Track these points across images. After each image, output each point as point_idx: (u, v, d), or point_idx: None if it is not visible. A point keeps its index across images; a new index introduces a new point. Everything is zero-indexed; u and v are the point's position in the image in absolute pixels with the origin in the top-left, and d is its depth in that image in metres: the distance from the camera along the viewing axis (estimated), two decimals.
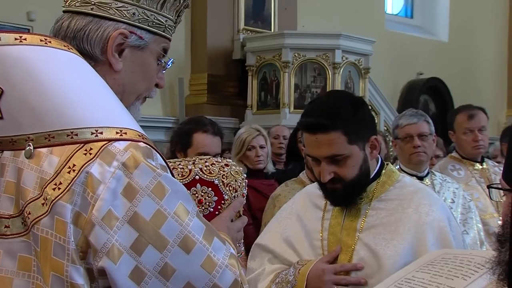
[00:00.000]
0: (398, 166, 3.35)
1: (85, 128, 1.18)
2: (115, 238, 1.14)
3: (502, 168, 3.81)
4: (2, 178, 1.23)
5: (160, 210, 1.17)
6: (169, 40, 1.40)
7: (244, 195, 1.55)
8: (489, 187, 1.26)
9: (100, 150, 1.17)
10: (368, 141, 2.03)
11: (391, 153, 7.21)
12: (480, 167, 3.80)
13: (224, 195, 1.49)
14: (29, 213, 1.18)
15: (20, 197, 1.20)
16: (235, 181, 1.52)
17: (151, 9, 1.34)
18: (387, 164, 2.15)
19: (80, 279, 1.15)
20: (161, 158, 1.22)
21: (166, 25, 1.37)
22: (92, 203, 1.14)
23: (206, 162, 1.51)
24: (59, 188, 1.16)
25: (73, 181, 1.15)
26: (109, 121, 1.20)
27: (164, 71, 1.44)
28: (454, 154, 3.90)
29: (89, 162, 1.16)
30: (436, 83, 10.51)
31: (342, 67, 7.41)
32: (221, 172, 1.50)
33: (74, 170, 1.16)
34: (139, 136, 1.21)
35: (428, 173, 3.30)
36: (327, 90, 7.32)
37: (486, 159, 3.91)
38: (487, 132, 3.79)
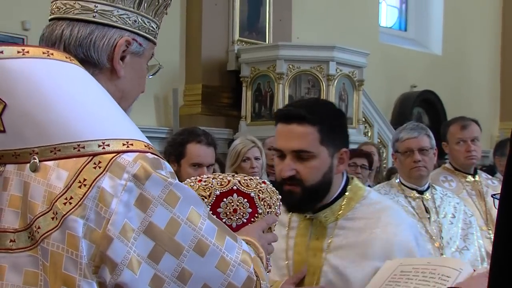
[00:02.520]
0: (398, 180, 3.30)
1: (91, 140, 1.18)
2: (133, 249, 1.15)
3: (495, 181, 3.78)
4: (6, 192, 1.22)
5: (173, 218, 1.18)
6: (156, 45, 1.42)
7: (278, 214, 1.60)
8: (493, 196, 1.25)
9: (110, 163, 1.16)
10: (338, 151, 1.96)
11: (384, 165, 7.19)
12: (472, 179, 3.78)
13: (258, 209, 1.55)
14: (39, 227, 1.16)
15: (27, 211, 1.18)
16: (270, 198, 1.58)
17: (148, 16, 1.36)
18: (352, 179, 2.08)
19: None
20: (169, 166, 1.23)
21: (157, 31, 1.40)
22: (106, 218, 1.14)
23: (245, 176, 1.59)
24: (70, 203, 1.15)
25: (85, 196, 1.15)
26: (115, 132, 1.20)
27: (150, 76, 1.46)
28: (447, 165, 3.89)
29: (99, 177, 1.15)
30: (430, 96, 10.55)
31: (336, 79, 7.40)
32: (258, 187, 1.57)
33: (85, 185, 1.15)
34: (145, 146, 1.21)
35: (428, 187, 3.26)
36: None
37: (479, 171, 3.90)
38: (480, 143, 3.78)
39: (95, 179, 1.15)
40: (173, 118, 7.53)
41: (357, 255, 1.93)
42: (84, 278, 1.14)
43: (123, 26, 1.31)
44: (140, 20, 1.33)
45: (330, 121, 1.94)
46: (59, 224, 1.15)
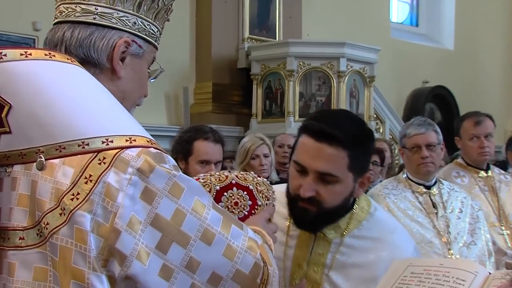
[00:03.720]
0: (405, 175, 3.30)
1: (95, 137, 1.21)
2: (141, 241, 1.18)
3: (507, 176, 3.75)
4: (14, 191, 1.25)
5: (179, 209, 1.21)
6: (157, 49, 1.45)
7: (274, 206, 1.64)
8: None
9: (114, 159, 1.19)
10: (363, 176, 1.87)
11: (396, 161, 7.18)
12: (485, 175, 3.74)
13: (257, 201, 1.59)
14: (47, 224, 1.20)
15: (36, 209, 1.21)
16: (267, 190, 1.63)
17: (147, 19, 1.39)
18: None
19: (101, 286, 1.17)
20: (172, 159, 1.26)
21: (157, 35, 1.43)
22: (113, 211, 1.17)
23: (240, 172, 1.64)
24: (77, 198, 1.18)
25: (91, 192, 1.18)
26: (118, 129, 1.23)
27: (152, 80, 1.49)
28: (459, 160, 3.85)
29: (105, 172, 1.19)
30: (442, 91, 10.49)
31: (347, 76, 7.39)
32: (255, 180, 1.62)
33: (91, 181, 1.18)
34: (147, 142, 1.24)
35: (435, 182, 3.25)
36: (332, 98, 7.32)
37: (492, 166, 3.86)
38: (493, 139, 3.74)
39: (100, 175, 1.18)
40: (184, 116, 7.57)
41: (362, 278, 1.86)
42: (93, 271, 1.17)
43: (122, 28, 1.35)
44: (139, 22, 1.37)
45: (362, 145, 1.83)
46: (67, 219, 1.18)
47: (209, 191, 1.56)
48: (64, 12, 1.36)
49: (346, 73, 7.37)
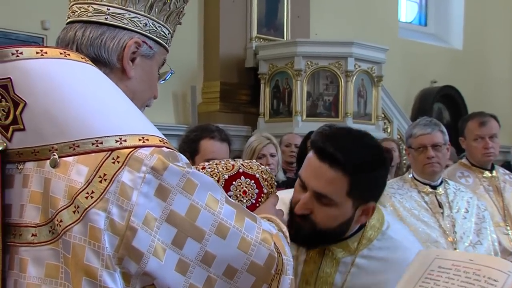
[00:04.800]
0: (411, 175, 3.31)
1: (109, 136, 1.22)
2: (157, 237, 1.20)
3: None
4: (26, 188, 1.26)
5: (193, 204, 1.23)
6: (168, 52, 1.46)
7: (277, 195, 1.68)
8: None
9: (128, 158, 1.21)
10: (366, 205, 1.79)
11: (404, 161, 7.18)
12: (490, 175, 3.74)
13: (263, 189, 1.62)
14: (61, 221, 1.21)
15: (49, 206, 1.23)
16: (271, 178, 1.66)
17: (158, 21, 1.40)
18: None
19: (113, 284, 1.19)
20: (184, 157, 1.27)
21: (168, 38, 1.44)
22: (129, 210, 1.19)
23: (245, 161, 1.66)
24: (92, 197, 1.19)
25: (106, 190, 1.19)
26: (132, 128, 1.25)
27: (162, 82, 1.50)
28: (464, 160, 3.85)
29: (119, 171, 1.20)
30: (450, 91, 10.45)
31: (354, 75, 7.39)
32: (260, 168, 1.64)
33: (105, 180, 1.20)
34: (160, 141, 1.26)
35: (441, 182, 3.26)
36: (340, 98, 7.32)
37: (496, 166, 3.85)
38: (498, 140, 3.73)
39: (114, 174, 1.20)
40: (191, 115, 7.59)
41: None
42: (106, 268, 1.18)
43: (133, 29, 1.36)
44: (151, 23, 1.38)
45: (367, 173, 1.73)
46: (81, 217, 1.19)
47: (218, 181, 1.57)
48: (77, 11, 1.38)
49: (354, 72, 7.37)
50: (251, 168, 1.62)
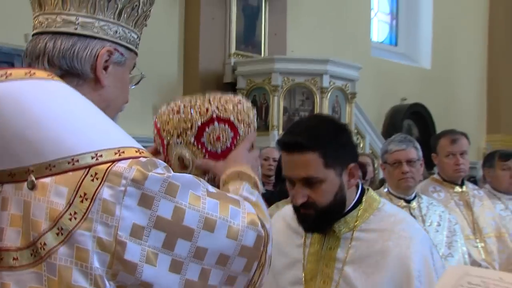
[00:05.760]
0: (386, 189, 3.34)
1: (84, 153, 1.18)
2: (147, 245, 1.17)
3: (480, 192, 3.81)
4: (6, 211, 1.21)
5: (177, 206, 1.20)
6: (137, 55, 1.42)
7: (255, 129, 1.59)
8: None
9: (106, 173, 1.17)
10: (347, 168, 1.89)
11: (376, 174, 7.19)
12: (460, 190, 3.78)
13: (239, 131, 1.53)
14: (44, 244, 1.17)
15: (30, 229, 1.18)
16: (248, 117, 1.56)
17: (128, 26, 1.36)
18: (368, 190, 2.03)
19: None
20: (162, 162, 1.24)
21: (137, 42, 1.40)
22: (114, 225, 1.15)
23: (220, 100, 1.54)
24: (75, 218, 1.16)
25: (88, 210, 1.15)
26: (106, 143, 1.20)
27: (133, 86, 1.46)
28: (436, 176, 3.90)
29: (99, 188, 1.16)
30: (419, 108, 10.59)
31: (329, 92, 7.43)
32: (236, 109, 1.54)
33: (86, 199, 1.16)
34: (136, 151, 1.21)
35: (415, 196, 3.29)
36: (315, 113, 7.33)
37: (466, 182, 3.90)
38: (468, 157, 3.79)
39: (95, 192, 1.16)
40: None
41: (369, 267, 1.88)
42: (95, 286, 1.15)
43: (104, 37, 1.31)
44: (121, 30, 1.34)
45: (332, 142, 1.85)
46: (65, 239, 1.15)
47: (191, 127, 1.50)
48: (44, 22, 1.31)
49: (328, 89, 7.41)
50: (225, 110, 1.51)
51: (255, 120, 1.60)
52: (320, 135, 1.84)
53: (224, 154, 1.51)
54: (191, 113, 1.50)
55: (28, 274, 1.18)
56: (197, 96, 1.55)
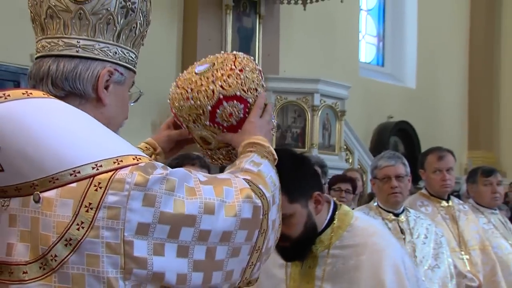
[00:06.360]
0: (376, 203, 3.36)
1: (85, 164, 1.19)
2: (153, 238, 1.18)
3: (465, 206, 3.83)
4: (15, 228, 1.22)
5: (177, 199, 1.21)
6: (135, 74, 1.43)
7: (264, 86, 1.57)
8: None
9: (109, 182, 1.18)
10: (311, 197, 1.89)
11: (365, 188, 7.21)
12: (446, 204, 3.80)
13: (248, 99, 1.52)
14: (55, 256, 1.18)
15: (39, 243, 1.19)
16: (253, 81, 1.53)
17: (126, 47, 1.37)
18: (340, 205, 2.03)
19: None
20: (160, 163, 1.26)
21: (135, 61, 1.41)
22: (120, 228, 1.16)
23: (223, 75, 1.51)
24: (82, 227, 1.17)
25: (94, 219, 1.17)
26: (104, 153, 1.21)
27: (132, 104, 1.48)
28: (423, 191, 3.92)
29: (103, 197, 1.17)
30: (405, 126, 10.66)
31: (320, 110, 7.47)
32: (239, 81, 1.51)
33: (91, 208, 1.17)
34: (134, 159, 1.22)
35: (403, 210, 3.31)
36: (306, 130, 7.38)
37: (452, 197, 3.93)
38: (454, 173, 3.83)
39: (99, 201, 1.17)
40: None
41: (345, 282, 1.90)
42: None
43: (104, 58, 1.33)
44: (120, 51, 1.35)
45: (292, 178, 1.79)
46: (75, 248, 1.16)
47: (203, 113, 1.51)
48: (47, 46, 1.32)
49: (319, 107, 7.45)
50: (229, 86, 1.50)
51: (262, 78, 1.57)
52: (281, 173, 1.71)
53: (240, 124, 1.52)
54: (200, 98, 1.50)
55: (37, 287, 1.19)
56: (203, 75, 1.53)
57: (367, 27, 11.48)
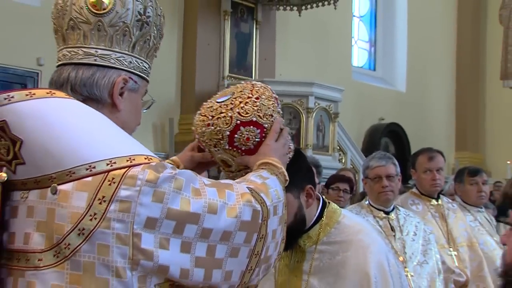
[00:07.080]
0: (367, 202, 3.35)
1: (100, 160, 1.23)
2: (160, 232, 1.21)
3: (454, 205, 3.82)
4: (32, 218, 1.26)
5: (183, 198, 1.25)
6: (148, 83, 1.47)
7: (280, 112, 1.61)
8: (497, 220, 1.15)
9: (123, 177, 1.21)
10: (304, 190, 1.90)
11: (357, 187, 7.20)
12: (436, 203, 3.79)
13: (264, 125, 1.56)
14: (69, 244, 1.21)
15: (54, 233, 1.23)
16: (268, 108, 1.57)
17: (140, 57, 1.42)
18: (329, 203, 2.02)
19: None
20: (169, 164, 1.29)
21: (149, 71, 1.46)
22: (130, 221, 1.19)
23: (241, 103, 1.56)
24: (95, 218, 1.20)
25: (106, 211, 1.20)
26: (119, 151, 1.25)
27: (145, 110, 1.51)
28: (414, 190, 3.91)
29: (116, 191, 1.20)
30: (396, 127, 10.68)
31: (314, 112, 7.47)
32: (256, 107, 1.56)
33: (105, 201, 1.20)
34: (145, 158, 1.26)
35: (393, 208, 3.30)
36: (301, 131, 7.37)
37: (441, 196, 3.92)
38: (443, 173, 3.82)
39: (112, 194, 1.20)
40: (169, 144, 7.53)
41: (332, 276, 1.90)
42: (117, 277, 1.19)
43: (120, 67, 1.37)
44: (134, 61, 1.40)
45: (287, 168, 1.77)
46: (87, 237, 1.19)
47: (222, 138, 1.56)
48: (68, 55, 1.38)
49: (314, 109, 7.44)
50: (246, 113, 1.55)
51: (278, 105, 1.61)
52: None
53: (257, 148, 1.57)
54: (219, 125, 1.56)
55: (51, 273, 1.21)
56: (222, 103, 1.57)
57: (360, 33, 11.50)
